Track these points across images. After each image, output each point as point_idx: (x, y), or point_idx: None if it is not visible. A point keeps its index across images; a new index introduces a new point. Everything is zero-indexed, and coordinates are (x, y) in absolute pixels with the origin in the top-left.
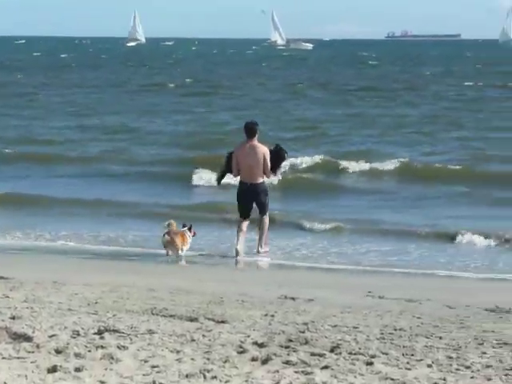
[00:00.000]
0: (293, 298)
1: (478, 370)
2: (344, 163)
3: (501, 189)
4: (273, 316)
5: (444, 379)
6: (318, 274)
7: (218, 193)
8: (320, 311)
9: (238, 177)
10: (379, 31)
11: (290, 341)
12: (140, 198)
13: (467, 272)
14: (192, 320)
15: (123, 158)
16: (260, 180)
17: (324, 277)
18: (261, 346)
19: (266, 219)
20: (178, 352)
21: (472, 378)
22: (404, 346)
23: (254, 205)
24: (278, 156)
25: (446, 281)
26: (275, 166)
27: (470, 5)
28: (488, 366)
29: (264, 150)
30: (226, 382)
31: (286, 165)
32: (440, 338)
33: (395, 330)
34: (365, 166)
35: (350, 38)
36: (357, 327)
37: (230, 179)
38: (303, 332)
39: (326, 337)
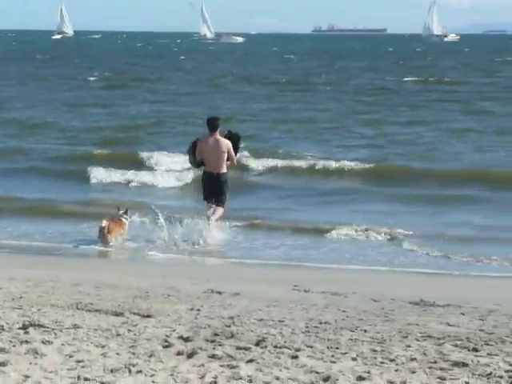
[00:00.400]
0: (219, 292)
1: (403, 363)
2: (251, 161)
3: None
4: (199, 310)
5: (368, 372)
6: (245, 268)
7: (111, 190)
8: (246, 305)
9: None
10: (306, 25)
11: (216, 335)
12: (40, 195)
13: (390, 266)
14: (117, 315)
15: (26, 153)
16: (223, 170)
17: (251, 271)
18: (186, 340)
19: (221, 210)
20: (103, 347)
21: (396, 370)
22: (329, 340)
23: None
24: (233, 141)
25: (370, 275)
26: (235, 150)
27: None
28: (412, 359)
29: (226, 143)
30: (151, 376)
31: (243, 146)
32: (365, 331)
33: (320, 323)
34: (273, 162)
35: (278, 31)
36: (282, 321)
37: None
38: (229, 326)
39: (251, 330)
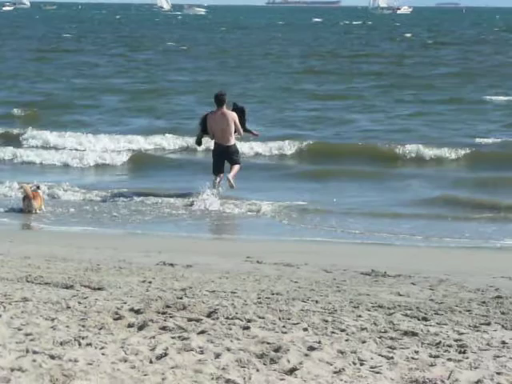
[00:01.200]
0: (171, 265)
1: (353, 333)
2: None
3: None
4: (150, 282)
5: (319, 342)
6: (198, 241)
7: None
8: (198, 277)
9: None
10: None
11: (168, 307)
12: None
13: (344, 238)
14: (68, 287)
15: None
16: (232, 142)
17: (204, 244)
18: (137, 312)
19: (237, 166)
20: (52, 320)
21: (347, 340)
22: (280, 310)
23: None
24: (239, 113)
25: (323, 245)
26: (241, 122)
27: None
28: (363, 329)
29: (233, 116)
30: (101, 348)
31: (247, 119)
32: (316, 301)
33: (272, 294)
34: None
35: (232, 3)
36: (234, 292)
37: None
38: (181, 298)
39: (203, 302)
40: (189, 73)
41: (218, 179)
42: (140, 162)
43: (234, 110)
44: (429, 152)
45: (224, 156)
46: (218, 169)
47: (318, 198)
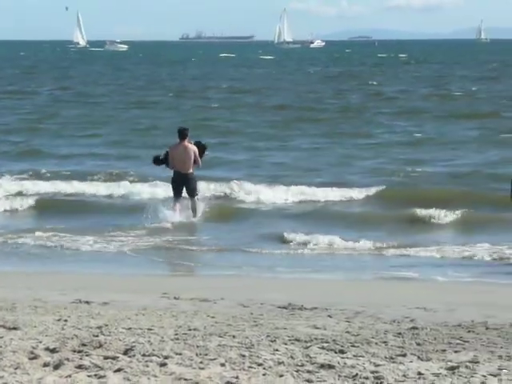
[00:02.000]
0: (87, 302)
1: (270, 367)
2: None
3: None
4: (66, 321)
5: (237, 377)
6: (114, 278)
7: None
8: (115, 314)
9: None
10: (174, 33)
11: (84, 345)
12: None
13: (258, 272)
14: None
15: None
16: (190, 170)
17: (119, 281)
18: (53, 351)
19: (197, 201)
20: None
21: (264, 375)
22: (198, 346)
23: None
24: (200, 149)
25: (238, 280)
26: (200, 156)
27: (262, 8)
28: (280, 363)
29: (194, 149)
30: None
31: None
32: (233, 336)
33: (189, 330)
34: None
35: (145, 39)
36: (151, 329)
37: None
38: (97, 336)
39: (119, 339)
40: None
41: (178, 205)
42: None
43: (197, 146)
44: None
45: (182, 183)
46: (177, 194)
47: None
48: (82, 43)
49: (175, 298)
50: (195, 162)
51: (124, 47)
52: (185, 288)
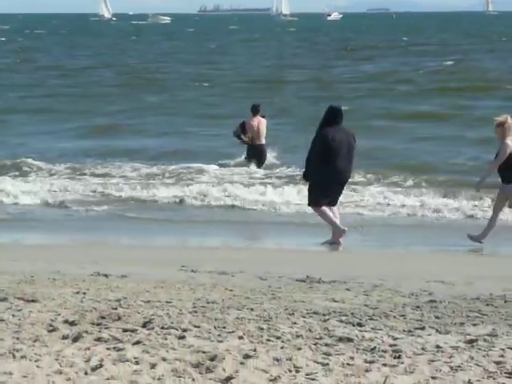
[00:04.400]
0: (106, 275)
1: (289, 340)
2: None
3: None
4: (85, 293)
5: (255, 350)
6: (132, 251)
7: None
8: (133, 287)
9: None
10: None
11: (102, 318)
12: None
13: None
14: (1, 300)
15: None
16: (264, 141)
17: (138, 253)
18: (72, 323)
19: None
20: None
21: (282, 348)
22: (216, 319)
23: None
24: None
25: (257, 253)
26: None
27: None
28: (298, 336)
29: (265, 121)
30: (36, 361)
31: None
32: (251, 309)
33: (208, 302)
34: None
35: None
36: (170, 302)
37: None
38: (115, 308)
39: (138, 312)
40: None
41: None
42: None
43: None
44: None
45: (258, 153)
46: (253, 159)
47: None
48: (108, 16)
49: (193, 270)
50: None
51: (167, 19)
52: (203, 261)
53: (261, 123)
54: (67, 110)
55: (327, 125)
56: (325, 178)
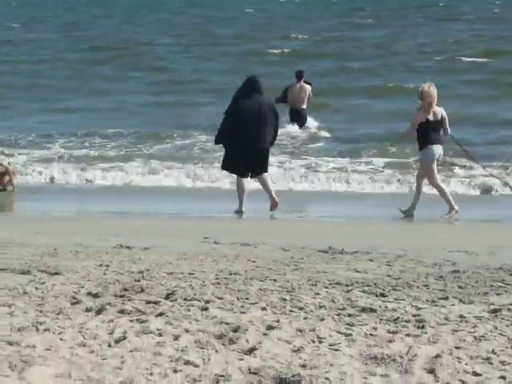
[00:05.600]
0: (128, 247)
1: (311, 311)
2: None
3: None
4: (108, 266)
5: (278, 321)
6: (155, 222)
7: None
8: (156, 259)
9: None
10: None
11: (125, 290)
12: None
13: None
14: (24, 273)
15: None
16: (304, 106)
17: (161, 225)
18: (95, 296)
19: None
20: (9, 306)
21: (305, 318)
22: (239, 290)
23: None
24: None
25: (280, 224)
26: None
27: None
28: (321, 307)
29: (307, 88)
30: (60, 333)
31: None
32: (274, 280)
33: (230, 274)
34: None
35: None
36: (192, 273)
37: None
38: (138, 280)
39: (161, 284)
40: None
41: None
42: None
43: (308, 83)
44: None
45: (296, 116)
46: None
47: None
48: None
49: (216, 242)
50: (308, 98)
51: None
52: (226, 232)
53: (302, 89)
54: None
55: (240, 96)
56: (235, 148)
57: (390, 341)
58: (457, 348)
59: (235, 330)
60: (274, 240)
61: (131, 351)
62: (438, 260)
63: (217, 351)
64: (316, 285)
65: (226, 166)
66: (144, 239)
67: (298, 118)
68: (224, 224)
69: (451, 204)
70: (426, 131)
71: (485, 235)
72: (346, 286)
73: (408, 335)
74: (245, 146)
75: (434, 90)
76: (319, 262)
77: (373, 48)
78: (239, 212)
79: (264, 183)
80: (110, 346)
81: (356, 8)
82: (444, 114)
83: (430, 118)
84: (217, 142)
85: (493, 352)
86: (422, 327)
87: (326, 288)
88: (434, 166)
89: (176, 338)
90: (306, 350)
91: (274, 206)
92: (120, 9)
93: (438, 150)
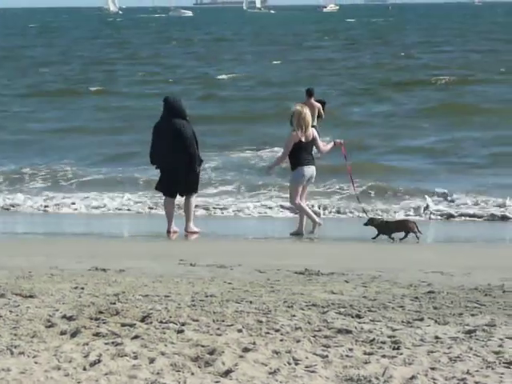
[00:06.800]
0: (104, 270)
1: (288, 333)
2: None
3: None
4: (83, 288)
5: (254, 343)
6: (131, 244)
7: None
8: (131, 281)
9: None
10: None
11: (101, 312)
12: None
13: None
14: None
15: None
16: (314, 123)
17: (136, 247)
18: (70, 319)
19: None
20: None
21: (281, 340)
22: (215, 312)
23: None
24: (322, 104)
25: (255, 245)
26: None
27: None
28: (297, 328)
29: (317, 105)
30: (34, 357)
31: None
32: (250, 302)
33: (206, 296)
34: None
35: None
36: (168, 296)
37: None
38: (114, 303)
39: (136, 307)
40: None
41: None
42: None
43: (318, 101)
44: None
45: None
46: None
47: None
48: (113, 9)
49: (192, 264)
50: (319, 116)
51: (189, 13)
52: (201, 254)
53: (311, 106)
54: None
55: (160, 117)
56: (159, 167)
57: (366, 362)
58: (432, 369)
59: (211, 353)
60: (249, 261)
61: (106, 374)
62: (414, 281)
63: (192, 374)
64: (292, 306)
65: (156, 185)
66: (119, 261)
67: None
68: (200, 246)
69: (314, 220)
70: (298, 152)
71: (460, 256)
72: (322, 307)
73: (384, 356)
74: (162, 165)
75: (307, 111)
76: (295, 284)
77: None
78: (168, 232)
79: (186, 206)
80: (84, 369)
81: None
82: (315, 134)
83: (303, 139)
84: (151, 162)
85: (468, 373)
86: (398, 348)
87: (302, 310)
88: (300, 187)
89: (151, 360)
90: (282, 372)
91: (187, 232)
92: None
93: (308, 170)
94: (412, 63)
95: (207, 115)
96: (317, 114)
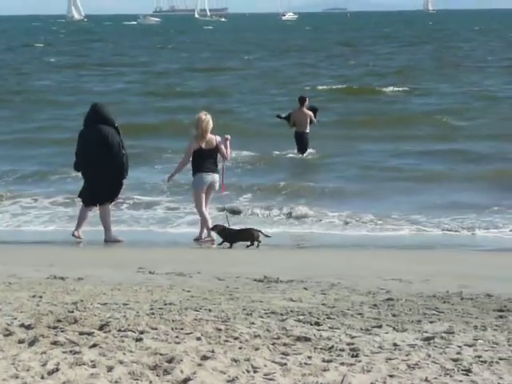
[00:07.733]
0: (62, 278)
1: (247, 341)
2: None
3: None
4: (41, 297)
5: (213, 351)
6: (89, 252)
7: None
8: (90, 289)
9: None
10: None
11: (59, 321)
12: None
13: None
14: None
15: None
16: (306, 130)
17: (95, 254)
18: (28, 327)
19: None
20: None
21: (240, 348)
22: (173, 320)
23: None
24: (314, 111)
25: (213, 252)
26: (314, 116)
27: None
28: (256, 336)
29: (309, 113)
30: None
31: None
32: (209, 310)
33: (165, 304)
34: None
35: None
36: (127, 304)
37: None
38: (72, 311)
39: (95, 315)
40: None
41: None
42: None
43: (311, 109)
44: None
45: (300, 139)
46: (300, 148)
47: None
48: (78, 17)
49: (150, 272)
50: (311, 122)
51: (156, 20)
52: (160, 262)
53: (303, 113)
54: None
55: (84, 125)
56: (83, 174)
57: (325, 369)
58: (390, 376)
59: (169, 361)
60: (208, 269)
61: (64, 383)
62: (373, 288)
63: (151, 382)
64: (251, 314)
65: (80, 193)
66: (78, 269)
67: (301, 141)
68: (159, 253)
69: (209, 233)
70: (199, 159)
71: (419, 263)
72: (281, 315)
73: (342, 364)
74: (89, 172)
75: (209, 119)
76: (254, 291)
77: None
78: (73, 235)
79: (103, 215)
80: (42, 377)
81: None
82: (218, 140)
83: (203, 145)
84: (75, 169)
85: (426, 380)
86: (357, 356)
87: (261, 317)
88: (202, 194)
89: (110, 369)
90: (240, 380)
91: (109, 241)
92: None
93: (207, 177)
94: None
95: None
96: (309, 121)
